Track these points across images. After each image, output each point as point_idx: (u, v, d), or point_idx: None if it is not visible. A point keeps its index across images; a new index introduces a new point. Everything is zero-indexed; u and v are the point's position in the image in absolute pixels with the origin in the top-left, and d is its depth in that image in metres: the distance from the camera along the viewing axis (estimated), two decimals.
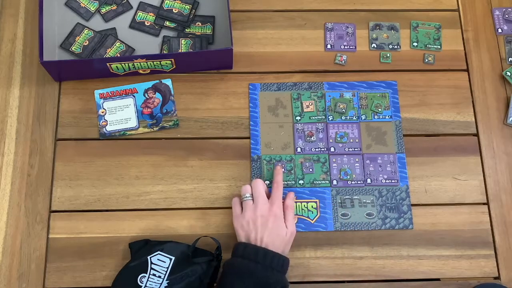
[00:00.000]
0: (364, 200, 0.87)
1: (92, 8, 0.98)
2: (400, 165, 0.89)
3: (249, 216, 0.79)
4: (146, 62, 0.88)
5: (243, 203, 0.81)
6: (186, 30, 0.97)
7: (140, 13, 0.98)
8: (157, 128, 0.90)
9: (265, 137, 0.91)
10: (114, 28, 0.97)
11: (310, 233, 0.86)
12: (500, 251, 0.86)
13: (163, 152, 0.89)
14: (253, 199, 0.81)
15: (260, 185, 0.82)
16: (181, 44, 0.94)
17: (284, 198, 0.83)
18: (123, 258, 0.83)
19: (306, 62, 0.96)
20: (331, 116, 0.92)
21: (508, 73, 0.96)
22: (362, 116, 0.92)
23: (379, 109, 0.92)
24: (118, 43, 0.95)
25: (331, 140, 0.91)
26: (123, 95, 0.92)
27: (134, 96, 0.92)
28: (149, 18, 0.97)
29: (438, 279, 0.84)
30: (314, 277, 0.83)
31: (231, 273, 0.74)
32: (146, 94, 0.92)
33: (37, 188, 0.87)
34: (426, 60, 0.96)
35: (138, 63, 0.89)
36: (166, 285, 0.77)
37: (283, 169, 0.88)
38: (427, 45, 0.97)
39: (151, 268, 0.78)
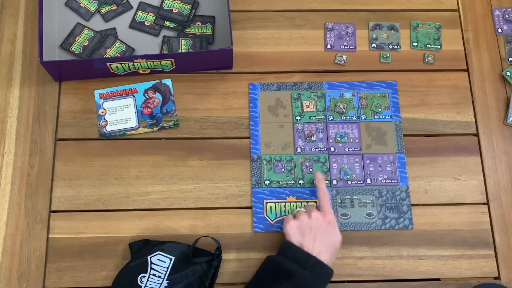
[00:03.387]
0: (364, 200, 0.87)
1: (92, 8, 0.98)
2: (400, 165, 0.89)
3: (304, 219, 0.77)
4: (146, 62, 0.88)
5: (296, 214, 0.80)
6: (186, 30, 0.97)
7: (140, 13, 0.98)
8: (157, 128, 0.90)
9: (265, 137, 0.91)
10: (114, 28, 0.97)
11: None
12: (500, 251, 0.86)
13: (163, 152, 0.89)
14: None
15: (313, 206, 0.81)
16: (181, 44, 0.94)
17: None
18: (123, 258, 0.83)
19: (306, 62, 0.96)
20: (331, 116, 0.92)
21: (508, 73, 0.96)
22: (362, 116, 0.92)
23: (379, 109, 0.92)
24: (118, 43, 0.95)
25: (331, 140, 0.91)
26: (123, 95, 0.92)
27: (134, 96, 0.92)
28: (149, 18, 0.97)
29: (438, 279, 0.84)
30: None
31: (277, 272, 0.73)
32: (146, 94, 0.92)
33: (37, 188, 0.87)
34: (426, 60, 0.96)
35: (138, 63, 0.89)
36: (166, 285, 0.78)
37: (324, 176, 0.86)
38: (427, 45, 0.97)
39: (151, 268, 0.78)
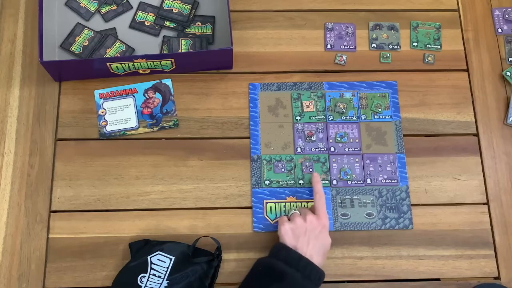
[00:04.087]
0: (364, 200, 0.87)
1: (92, 8, 0.98)
2: (400, 165, 0.89)
3: (298, 222, 0.77)
4: (146, 62, 0.88)
5: (290, 216, 0.80)
6: (186, 30, 0.97)
7: (140, 13, 0.98)
8: (157, 128, 0.90)
9: (265, 137, 0.91)
10: (114, 28, 0.97)
11: None
12: (500, 251, 0.86)
13: (163, 152, 0.89)
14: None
15: (307, 208, 0.82)
16: (181, 44, 0.94)
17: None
18: (123, 258, 0.83)
19: (306, 62, 0.96)
20: (331, 116, 0.92)
21: (508, 73, 0.96)
22: (362, 116, 0.92)
23: (379, 109, 0.92)
24: (118, 43, 0.95)
25: (331, 140, 0.91)
26: (123, 95, 0.92)
27: (134, 96, 0.92)
28: (149, 18, 0.97)
29: (438, 279, 0.84)
30: None
31: (269, 274, 0.74)
32: (146, 94, 0.92)
33: (37, 188, 0.87)
34: (426, 60, 0.96)
35: (138, 63, 0.89)
36: (166, 285, 0.78)
37: (321, 176, 0.87)
38: (427, 45, 0.97)
39: (151, 268, 0.78)
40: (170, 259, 0.79)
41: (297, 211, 0.81)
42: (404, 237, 0.86)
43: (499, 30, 0.99)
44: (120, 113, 0.91)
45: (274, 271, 0.73)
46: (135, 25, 0.97)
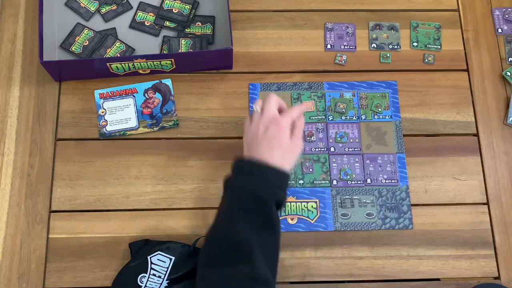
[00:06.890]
0: (364, 200, 0.87)
1: (92, 8, 0.98)
2: (400, 165, 0.89)
3: (254, 126, 0.73)
4: (146, 62, 0.88)
5: (252, 116, 0.76)
6: (186, 30, 0.97)
7: (140, 13, 0.98)
8: (157, 128, 0.90)
9: None
10: (114, 28, 0.97)
11: (310, 233, 0.86)
12: (500, 251, 0.86)
13: (163, 152, 0.89)
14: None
15: (271, 97, 0.75)
16: (181, 44, 0.94)
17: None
18: (123, 258, 0.83)
19: (306, 62, 0.96)
20: (331, 116, 0.92)
21: (508, 73, 0.96)
22: (362, 116, 0.92)
23: (379, 109, 0.92)
24: (118, 43, 0.95)
25: (331, 140, 0.91)
26: (123, 95, 0.92)
27: (134, 96, 0.92)
28: (149, 18, 0.97)
29: (438, 279, 0.84)
30: (314, 277, 0.83)
31: (226, 188, 0.71)
32: (146, 94, 0.92)
33: (37, 188, 0.87)
34: (426, 60, 0.96)
35: (138, 63, 0.89)
36: (166, 285, 0.78)
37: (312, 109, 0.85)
38: (427, 45, 0.97)
39: (151, 268, 0.78)
40: (170, 259, 0.79)
41: (258, 111, 0.75)
42: (404, 237, 0.86)
43: (499, 30, 0.99)
44: (120, 113, 0.91)
45: (228, 184, 0.70)
46: (135, 25, 0.97)
